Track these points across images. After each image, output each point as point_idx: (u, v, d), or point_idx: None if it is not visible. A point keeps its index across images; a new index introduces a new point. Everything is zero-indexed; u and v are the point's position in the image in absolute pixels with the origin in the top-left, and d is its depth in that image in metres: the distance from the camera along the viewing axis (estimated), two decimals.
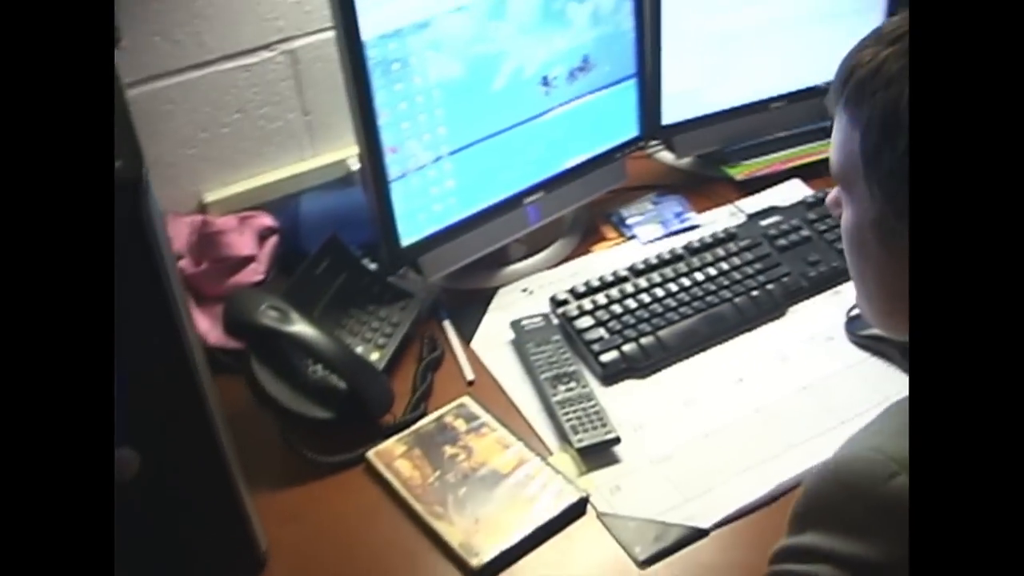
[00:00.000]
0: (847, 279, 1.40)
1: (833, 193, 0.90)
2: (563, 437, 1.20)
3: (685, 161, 1.68)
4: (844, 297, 1.42)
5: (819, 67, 1.64)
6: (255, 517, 1.05)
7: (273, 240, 1.47)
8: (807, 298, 1.42)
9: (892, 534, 0.68)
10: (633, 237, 1.54)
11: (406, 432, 1.20)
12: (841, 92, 0.80)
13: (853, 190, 0.81)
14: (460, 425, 1.21)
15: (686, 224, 1.55)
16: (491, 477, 1.15)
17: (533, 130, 1.39)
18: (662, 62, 1.51)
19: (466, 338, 1.36)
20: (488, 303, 1.42)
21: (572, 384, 1.24)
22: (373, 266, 1.36)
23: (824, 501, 0.73)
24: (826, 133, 1.65)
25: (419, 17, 1.21)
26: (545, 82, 1.38)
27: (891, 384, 1.27)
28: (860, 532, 0.70)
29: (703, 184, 1.65)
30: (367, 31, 1.18)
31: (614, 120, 1.50)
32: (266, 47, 1.47)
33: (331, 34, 1.45)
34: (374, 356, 1.28)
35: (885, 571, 0.69)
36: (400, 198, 1.28)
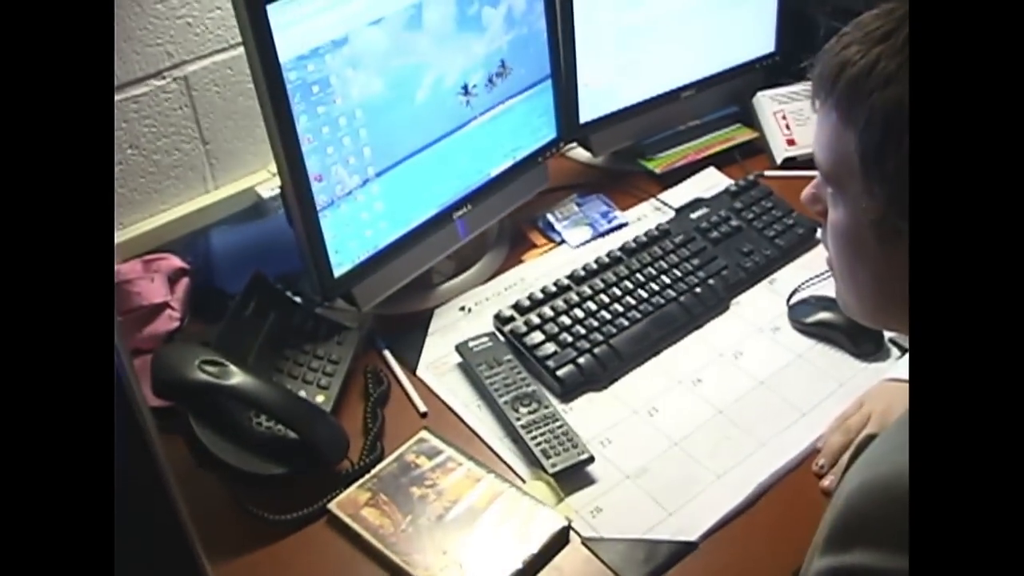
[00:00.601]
0: (780, 266, 1.43)
1: (810, 190, 0.88)
2: (533, 463, 1.14)
3: (601, 158, 1.65)
4: (780, 285, 1.42)
5: (724, 53, 1.67)
6: None
7: (184, 282, 1.37)
8: (747, 289, 1.41)
9: None
10: (563, 242, 1.49)
11: (367, 477, 1.13)
12: (829, 91, 0.78)
13: (846, 190, 0.80)
14: (423, 462, 1.14)
15: (614, 223, 1.52)
16: (467, 515, 1.08)
17: (457, 142, 1.33)
18: (577, 61, 1.47)
19: (411, 367, 1.29)
20: (427, 327, 1.36)
21: (534, 405, 1.19)
22: (297, 300, 1.27)
23: (874, 518, 0.70)
24: (735, 118, 1.70)
25: (336, 34, 1.14)
26: (466, 91, 1.32)
27: (842, 369, 1.27)
28: None
29: (622, 180, 1.63)
30: (284, 53, 1.09)
31: (533, 123, 1.45)
32: (156, 75, 1.36)
33: (225, 55, 1.38)
34: (319, 399, 1.20)
35: None
36: (329, 227, 1.20)
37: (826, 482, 1.13)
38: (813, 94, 0.81)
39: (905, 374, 1.19)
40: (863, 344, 1.28)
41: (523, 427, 1.17)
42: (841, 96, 0.77)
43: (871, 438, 0.81)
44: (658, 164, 1.62)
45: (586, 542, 1.07)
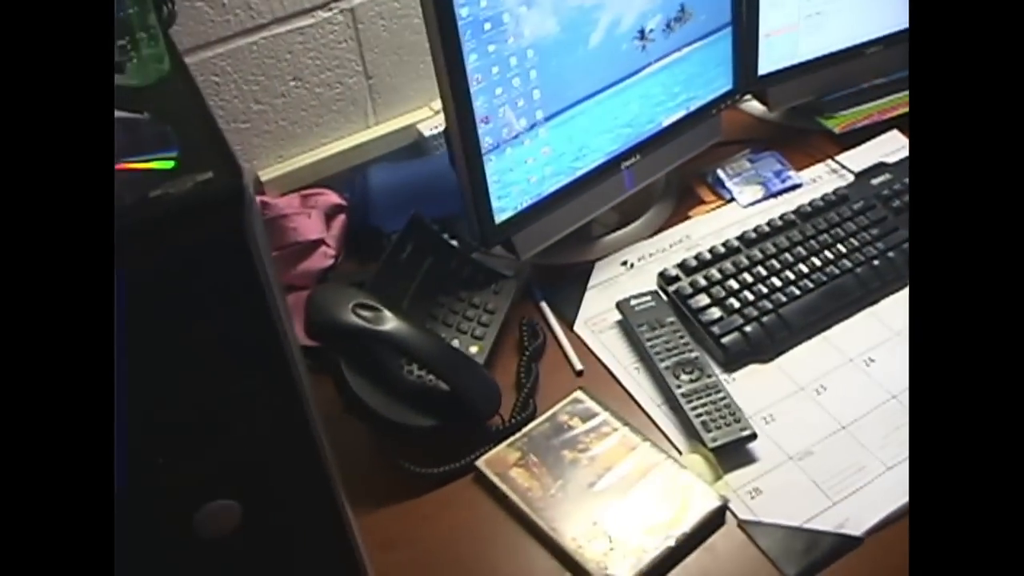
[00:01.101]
0: None
1: None
2: (692, 435, 1.09)
3: (777, 114, 1.56)
4: None
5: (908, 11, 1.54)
6: (360, 543, 0.93)
7: (341, 219, 1.34)
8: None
9: None
10: (732, 200, 1.42)
11: (518, 435, 1.09)
12: None
13: None
14: (577, 424, 1.10)
15: (788, 184, 1.44)
16: (619, 484, 1.04)
17: (630, 88, 1.27)
18: (759, 9, 1.38)
19: (568, 322, 1.25)
20: (587, 280, 1.31)
21: (696, 373, 1.13)
22: (455, 244, 1.23)
23: None
24: None
25: None
26: (642, 35, 1.25)
27: None
28: None
29: (797, 138, 1.54)
30: None
31: (709, 73, 1.37)
32: (323, 6, 1.33)
33: None
34: (473, 350, 1.17)
35: None
36: (493, 171, 1.16)
37: None
38: None
39: None
40: None
41: (683, 395, 1.11)
42: None
43: None
44: (838, 123, 1.52)
45: (743, 525, 1.02)
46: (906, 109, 1.55)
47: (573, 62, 1.19)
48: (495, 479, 1.05)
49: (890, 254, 1.29)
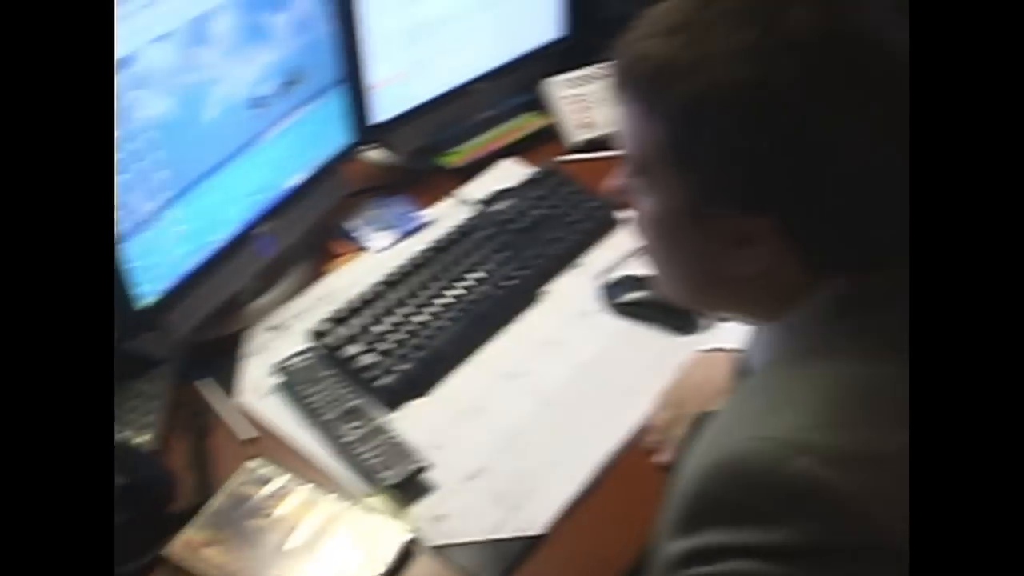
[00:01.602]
0: (588, 250, 1.47)
1: (618, 180, 0.89)
2: (369, 478, 1.14)
3: (399, 158, 1.65)
4: (588, 268, 1.46)
5: (513, 42, 1.69)
6: None
7: None
8: (556, 276, 1.45)
9: (801, 516, 0.69)
10: (367, 248, 1.48)
11: (200, 516, 1.10)
12: (630, 84, 0.79)
13: (656, 179, 0.81)
14: (256, 491, 1.12)
15: (416, 223, 1.53)
16: (310, 540, 1.07)
17: (253, 157, 1.30)
18: (366, 62, 1.46)
19: (231, 393, 1.26)
20: (242, 349, 1.32)
21: (362, 420, 1.19)
22: None
23: (724, 498, 0.73)
24: (529, 106, 1.73)
25: (120, 52, 1.08)
26: (257, 103, 1.29)
27: (660, 345, 1.33)
28: (771, 520, 0.70)
29: (422, 178, 1.63)
30: None
31: (327, 129, 1.43)
32: None
33: None
34: (141, 439, 1.16)
35: (801, 554, 0.70)
36: (132, 257, 1.15)
37: (661, 457, 1.17)
38: (615, 86, 0.82)
39: (718, 343, 1.24)
40: (677, 319, 1.34)
41: (353, 443, 1.16)
42: (644, 88, 0.78)
43: (704, 416, 0.85)
44: (455, 159, 1.64)
45: (435, 551, 1.08)
46: (516, 136, 1.69)
47: (195, 137, 1.21)
48: (189, 563, 1.05)
49: (521, 273, 1.41)
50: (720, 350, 1.23)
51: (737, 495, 0.72)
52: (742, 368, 1.01)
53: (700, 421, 0.84)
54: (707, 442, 0.78)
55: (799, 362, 0.78)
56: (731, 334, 1.21)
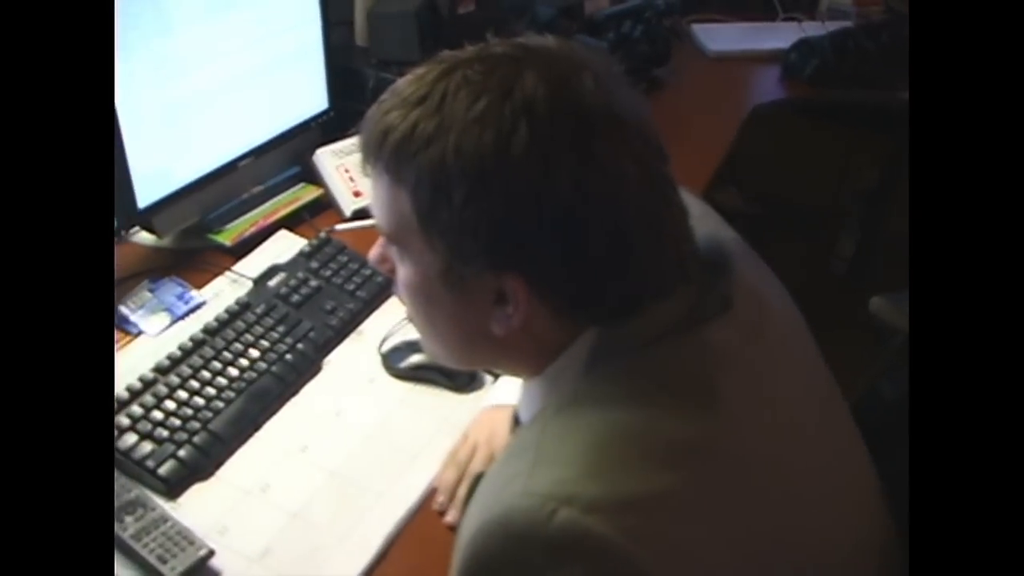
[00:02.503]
0: (366, 317, 1.48)
1: (377, 251, 0.92)
2: (152, 572, 1.10)
3: (168, 239, 1.62)
4: (369, 336, 1.47)
5: (278, 115, 1.70)
6: None
7: None
8: (336, 346, 1.45)
9: (569, 567, 0.71)
10: (141, 333, 1.45)
11: None
12: (377, 156, 0.82)
13: (409, 247, 0.84)
14: None
15: (191, 304, 1.50)
16: None
17: None
18: (125, 145, 1.43)
19: None
20: None
21: (140, 511, 1.15)
22: None
23: (496, 557, 0.75)
24: (299, 178, 1.74)
25: None
26: None
27: (444, 406, 1.35)
28: (539, 574, 0.72)
29: (194, 258, 1.61)
30: None
31: None
32: None
33: None
34: None
35: None
36: None
37: (449, 517, 1.18)
38: (363, 159, 0.84)
39: (501, 399, 1.27)
40: (458, 378, 1.36)
41: (132, 537, 1.12)
42: (389, 160, 0.80)
43: (483, 476, 0.86)
44: (228, 236, 1.62)
45: None
46: (288, 209, 1.69)
47: None
48: None
49: (299, 346, 1.41)
50: (506, 405, 1.24)
51: (507, 554, 0.74)
52: (514, 423, 1.04)
53: (479, 480, 0.85)
54: (478, 502, 0.80)
55: (561, 414, 0.80)
56: (516, 388, 1.24)
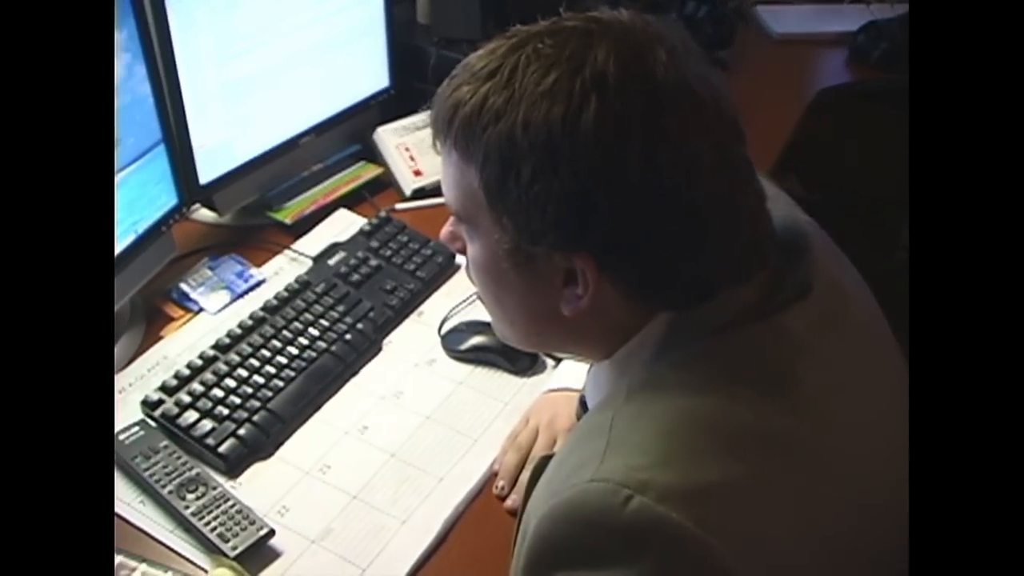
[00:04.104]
0: (426, 298, 1.48)
1: (448, 228, 0.91)
2: (213, 549, 1.11)
3: (228, 217, 1.62)
4: (429, 317, 1.47)
5: (339, 93, 1.70)
6: None
7: None
8: (396, 327, 1.45)
9: (642, 555, 0.71)
10: (201, 310, 1.45)
11: None
12: (447, 132, 0.81)
13: (478, 225, 0.83)
14: None
15: (251, 283, 1.50)
16: None
17: None
18: (188, 121, 1.44)
19: None
20: None
21: (201, 489, 1.16)
22: None
23: (566, 542, 0.74)
24: (359, 157, 1.73)
25: None
26: None
27: (504, 389, 1.34)
28: (612, 561, 0.72)
29: (253, 236, 1.61)
30: None
31: (151, 192, 1.40)
32: None
33: None
34: None
35: None
36: None
37: (509, 502, 1.18)
38: (433, 136, 0.84)
39: (562, 383, 1.26)
40: (519, 361, 1.35)
41: (194, 514, 1.13)
42: (458, 136, 0.79)
43: (546, 459, 0.86)
44: (288, 214, 1.62)
45: None
46: (348, 188, 1.68)
47: None
48: None
49: (359, 325, 1.40)
50: (567, 389, 1.24)
51: (577, 539, 0.73)
52: (580, 407, 1.02)
53: (542, 464, 0.85)
54: (545, 487, 0.79)
55: (633, 400, 0.79)
56: (577, 373, 1.23)
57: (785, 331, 0.80)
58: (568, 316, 0.81)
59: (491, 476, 1.21)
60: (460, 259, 1.51)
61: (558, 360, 1.33)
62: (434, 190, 1.69)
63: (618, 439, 0.75)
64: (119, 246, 1.34)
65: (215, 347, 1.33)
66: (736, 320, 0.79)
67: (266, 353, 1.33)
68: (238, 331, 1.36)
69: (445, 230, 0.91)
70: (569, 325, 0.83)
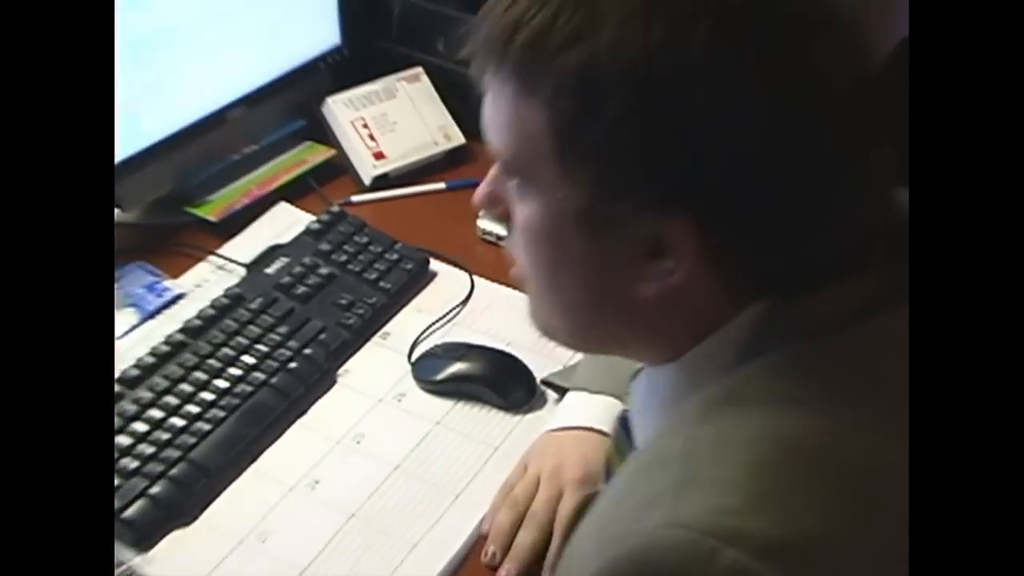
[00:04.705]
0: (392, 315, 1.45)
1: (487, 188, 0.89)
2: None
3: (134, 214, 1.60)
4: (396, 339, 1.45)
5: (277, 54, 1.67)
6: None
7: None
8: (354, 352, 1.43)
9: None
10: None
11: None
12: (501, 59, 0.79)
13: (536, 179, 0.81)
14: None
15: (166, 298, 1.49)
16: None
17: None
18: None
19: None
20: None
21: None
22: None
23: None
24: (304, 135, 1.71)
25: None
26: None
27: (493, 429, 1.32)
28: None
29: (169, 238, 1.60)
30: None
31: None
32: None
33: None
34: None
35: None
36: None
37: (502, 572, 1.16)
38: (479, 65, 0.82)
39: (570, 420, 1.24)
40: (513, 393, 1.34)
41: None
42: (518, 63, 0.77)
43: (589, 498, 0.86)
44: (212, 209, 1.61)
45: None
46: (290, 175, 1.67)
47: None
48: None
49: (307, 351, 1.38)
50: (577, 428, 1.23)
51: None
52: (620, 427, 1.00)
53: (585, 504, 0.85)
54: (597, 533, 0.78)
55: (712, 417, 0.77)
56: (589, 408, 1.23)
57: (897, 341, 0.77)
58: (644, 299, 0.80)
59: (478, 540, 1.19)
60: (435, 265, 1.52)
61: (563, 392, 1.31)
62: (400, 177, 1.69)
63: (696, 470, 0.73)
64: None
65: (120, 381, 1.31)
66: (843, 319, 0.78)
67: (187, 388, 1.31)
68: (150, 360, 1.33)
69: (483, 190, 0.89)
70: (641, 312, 0.81)
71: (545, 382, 1.35)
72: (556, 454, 1.21)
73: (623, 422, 0.99)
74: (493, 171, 0.87)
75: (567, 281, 0.85)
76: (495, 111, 0.82)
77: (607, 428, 1.17)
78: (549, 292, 0.87)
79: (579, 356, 1.31)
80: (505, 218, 0.87)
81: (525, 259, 0.87)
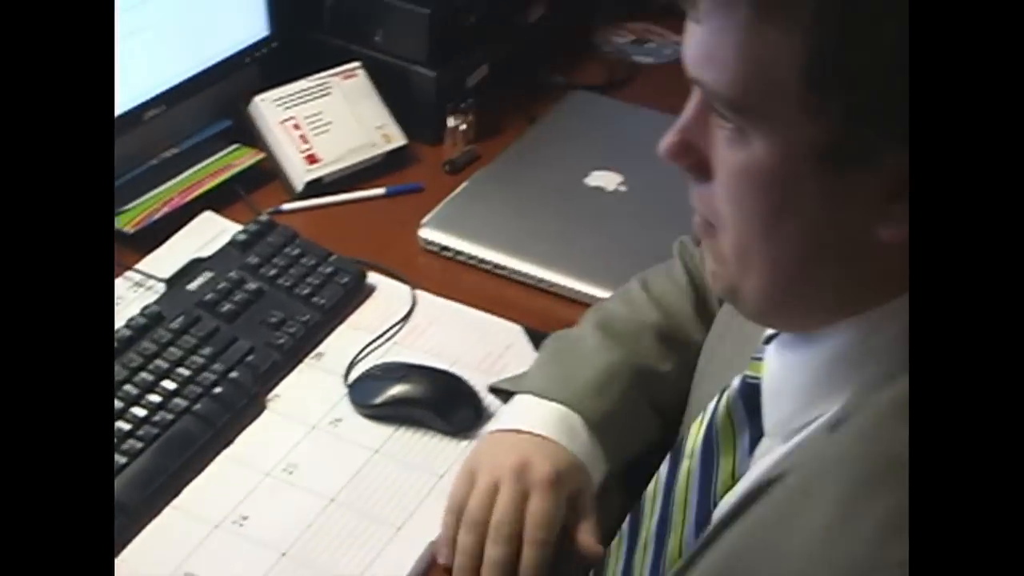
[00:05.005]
0: (327, 334, 1.46)
1: (677, 137, 0.86)
2: None
3: None
4: (331, 360, 1.46)
5: (198, 46, 1.67)
6: None
7: None
8: (285, 375, 1.44)
9: None
10: None
11: None
12: None
13: (771, 117, 0.79)
14: None
15: None
16: None
17: None
18: None
19: None
20: None
21: None
22: None
23: None
24: (230, 138, 1.72)
25: None
26: None
27: (438, 456, 1.34)
28: None
29: None
30: None
31: None
32: None
33: None
34: None
35: None
36: None
37: None
38: None
39: (516, 423, 1.24)
40: (458, 417, 1.36)
41: None
42: None
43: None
44: (128, 219, 1.61)
45: None
46: (216, 180, 1.68)
47: None
48: None
49: (233, 375, 1.39)
50: (528, 433, 1.22)
51: None
52: (742, 403, 0.99)
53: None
54: (813, 550, 0.78)
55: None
56: (536, 414, 1.23)
57: None
58: (876, 244, 0.79)
59: (426, 573, 1.21)
60: (373, 278, 1.52)
61: (508, 395, 1.31)
62: (335, 182, 1.70)
63: None
64: None
65: None
66: None
67: None
68: None
69: (673, 139, 0.87)
70: (865, 258, 0.81)
71: (493, 389, 1.35)
72: (514, 453, 1.19)
73: (744, 393, 0.98)
74: (689, 115, 0.85)
75: (790, 226, 0.82)
76: (718, 44, 0.79)
77: (564, 441, 1.19)
78: (761, 242, 0.84)
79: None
80: (697, 169, 0.85)
81: (734, 211, 0.84)
